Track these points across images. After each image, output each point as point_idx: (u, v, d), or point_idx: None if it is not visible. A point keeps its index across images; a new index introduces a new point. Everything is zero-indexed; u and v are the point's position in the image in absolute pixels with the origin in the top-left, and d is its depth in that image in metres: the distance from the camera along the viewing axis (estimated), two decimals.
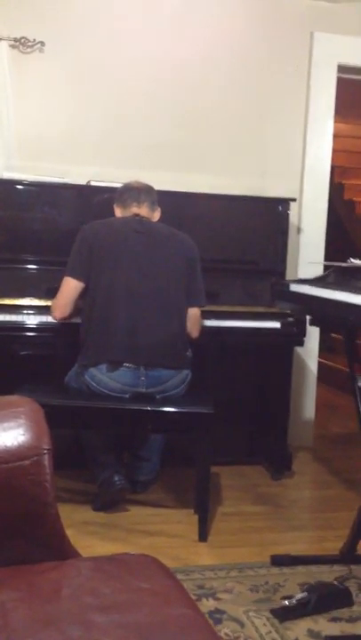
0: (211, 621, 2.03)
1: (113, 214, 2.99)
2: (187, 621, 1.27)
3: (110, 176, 3.31)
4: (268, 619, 2.14)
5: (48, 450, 1.48)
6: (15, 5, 3.39)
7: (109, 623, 1.22)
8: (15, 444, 1.46)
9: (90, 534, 2.65)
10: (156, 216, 2.98)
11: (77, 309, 2.87)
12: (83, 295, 2.84)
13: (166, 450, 3.13)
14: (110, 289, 2.78)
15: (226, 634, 2.04)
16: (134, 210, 2.93)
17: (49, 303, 2.98)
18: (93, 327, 2.79)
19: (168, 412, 2.78)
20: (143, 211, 2.94)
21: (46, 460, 1.47)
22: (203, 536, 2.69)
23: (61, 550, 1.48)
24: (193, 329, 2.94)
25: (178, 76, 3.64)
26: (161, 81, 3.62)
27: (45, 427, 1.52)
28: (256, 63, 3.75)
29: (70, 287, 2.82)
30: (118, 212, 2.98)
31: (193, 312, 2.94)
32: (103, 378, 2.78)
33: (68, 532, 1.52)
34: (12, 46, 3.38)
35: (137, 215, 2.92)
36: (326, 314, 2.56)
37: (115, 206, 2.99)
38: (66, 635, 1.18)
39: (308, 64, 3.83)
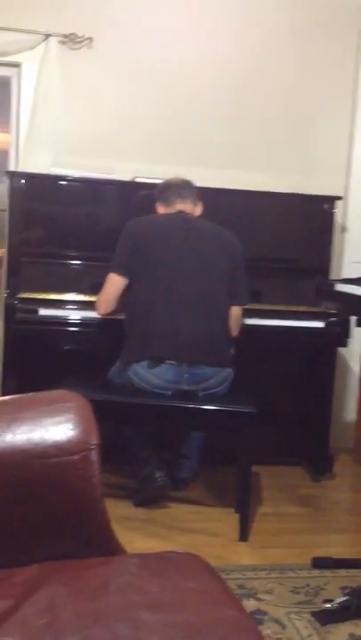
0: None
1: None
2: (234, 623, 1.26)
3: (155, 172, 3.31)
4: (309, 621, 2.12)
5: (96, 445, 1.49)
6: (65, 2, 3.41)
7: (157, 622, 1.22)
8: (64, 438, 1.47)
9: (130, 530, 2.66)
10: (198, 211, 2.97)
11: (122, 305, 2.87)
12: (127, 291, 2.85)
13: (208, 448, 3.12)
14: (153, 286, 2.78)
15: (268, 635, 2.02)
16: (178, 206, 2.92)
17: (92, 298, 3.00)
18: (136, 323, 2.80)
19: (210, 409, 2.77)
20: (186, 207, 2.93)
21: (94, 456, 1.48)
22: (243, 536, 2.67)
23: (108, 546, 1.48)
24: (234, 327, 2.92)
25: (223, 74, 3.63)
26: (207, 78, 3.61)
27: (94, 422, 1.52)
28: (302, 60, 3.71)
29: (114, 283, 2.83)
30: (161, 210, 2.97)
31: (235, 310, 2.92)
32: (146, 374, 2.78)
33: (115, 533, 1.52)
34: (62, 42, 3.40)
35: (181, 212, 2.91)
36: None
37: (157, 204, 2.98)
38: (114, 632, 1.18)
39: (355, 60, 3.78)
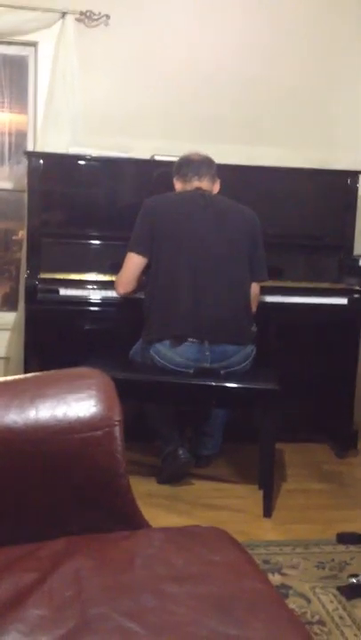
0: None
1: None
2: (259, 595, 1.26)
3: (174, 150, 3.26)
4: (334, 596, 2.12)
5: (119, 421, 1.49)
6: None
7: (183, 594, 1.22)
8: (87, 414, 1.48)
9: (155, 506, 2.67)
10: (216, 188, 2.94)
11: (141, 284, 2.87)
12: (146, 270, 2.84)
13: (231, 425, 3.12)
14: (173, 264, 2.77)
15: (292, 609, 2.02)
16: (196, 184, 2.88)
17: (113, 278, 2.99)
18: (157, 302, 2.79)
19: (232, 387, 2.76)
20: (204, 184, 2.89)
21: (117, 432, 1.48)
22: (267, 512, 2.68)
23: (133, 520, 1.49)
24: (253, 304, 2.90)
25: (242, 48, 3.58)
26: (225, 54, 3.56)
27: (116, 398, 1.53)
28: (320, 33, 3.65)
29: (133, 263, 2.82)
30: (178, 186, 2.93)
31: (254, 288, 2.90)
32: (168, 352, 2.78)
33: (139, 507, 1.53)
34: (78, 20, 3.37)
35: (199, 189, 2.87)
36: None
37: (174, 180, 2.95)
38: (140, 604, 1.19)
39: None
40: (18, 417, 1.43)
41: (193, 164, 2.91)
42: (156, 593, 1.22)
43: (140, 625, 1.12)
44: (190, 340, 2.76)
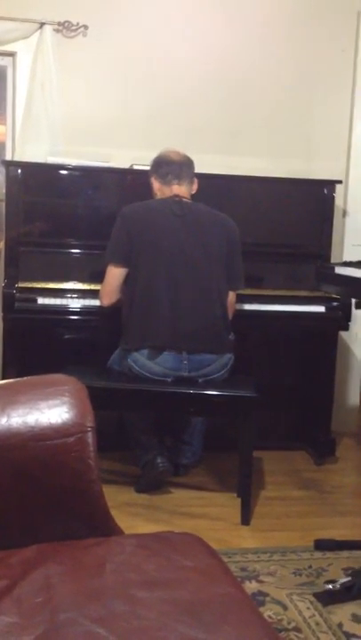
0: None
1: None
2: (231, 600, 1.26)
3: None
4: (311, 602, 2.12)
5: (92, 427, 1.49)
6: None
7: (153, 599, 1.22)
8: (59, 421, 1.47)
9: (133, 515, 2.67)
10: (194, 188, 2.94)
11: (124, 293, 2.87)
12: (125, 279, 2.84)
13: (209, 433, 3.12)
14: (151, 274, 2.77)
15: (269, 616, 2.03)
16: (175, 188, 2.88)
17: (92, 287, 3.00)
18: (135, 312, 2.79)
19: (210, 395, 2.77)
20: (183, 189, 2.89)
21: (90, 438, 1.48)
22: (245, 519, 2.68)
23: (106, 527, 1.49)
24: (229, 312, 2.91)
25: (221, 59, 3.60)
26: (204, 63, 3.58)
27: (89, 405, 1.53)
28: (302, 44, 3.68)
29: (114, 274, 2.82)
30: (156, 185, 2.92)
31: (230, 295, 2.91)
32: (146, 362, 2.78)
33: (112, 513, 1.52)
34: (56, 30, 3.38)
35: (177, 196, 2.87)
36: None
37: (152, 178, 2.93)
38: (110, 609, 1.18)
39: (354, 44, 3.75)
40: None
41: (173, 165, 2.89)
42: (126, 598, 1.21)
43: (109, 630, 1.12)
44: (168, 349, 2.76)
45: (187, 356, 2.77)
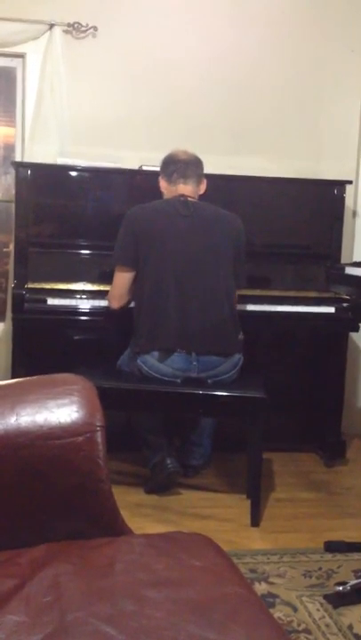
0: None
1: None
2: (240, 600, 1.25)
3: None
4: (321, 604, 2.11)
5: (101, 427, 1.49)
6: None
7: (162, 598, 1.22)
8: (69, 420, 1.47)
9: (142, 516, 2.66)
10: (203, 188, 2.92)
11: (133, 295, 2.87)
12: (135, 281, 2.83)
13: (219, 435, 3.11)
14: (159, 276, 2.76)
15: (279, 618, 2.01)
16: (180, 188, 2.86)
17: (101, 287, 3.00)
18: (144, 314, 2.78)
19: (219, 395, 2.76)
20: (189, 188, 2.87)
21: (99, 437, 1.48)
22: (255, 521, 2.67)
23: (115, 527, 1.48)
24: None
25: (230, 59, 3.60)
26: (213, 64, 3.58)
27: (98, 404, 1.52)
28: (311, 44, 3.68)
29: (123, 278, 2.82)
30: (163, 184, 2.91)
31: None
32: (155, 363, 2.78)
33: (121, 513, 1.52)
34: (66, 32, 3.39)
35: (182, 196, 2.84)
36: None
37: (160, 177, 2.93)
38: (118, 608, 1.18)
39: None
40: None
41: (179, 164, 2.88)
42: (135, 598, 1.21)
43: (117, 629, 1.11)
44: (178, 352, 2.76)
45: (196, 357, 2.77)
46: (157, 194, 2.97)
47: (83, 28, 3.42)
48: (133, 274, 2.80)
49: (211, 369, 2.79)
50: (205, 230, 2.81)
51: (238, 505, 2.82)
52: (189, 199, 2.85)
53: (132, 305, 2.87)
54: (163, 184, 2.92)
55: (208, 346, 2.77)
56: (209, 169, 3.01)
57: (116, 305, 2.87)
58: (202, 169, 2.92)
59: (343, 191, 3.46)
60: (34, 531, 1.44)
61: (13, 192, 3.28)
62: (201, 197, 2.93)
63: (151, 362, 2.78)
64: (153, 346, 2.77)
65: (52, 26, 3.36)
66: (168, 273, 2.76)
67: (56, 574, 1.27)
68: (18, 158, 3.50)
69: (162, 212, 2.83)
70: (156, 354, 2.77)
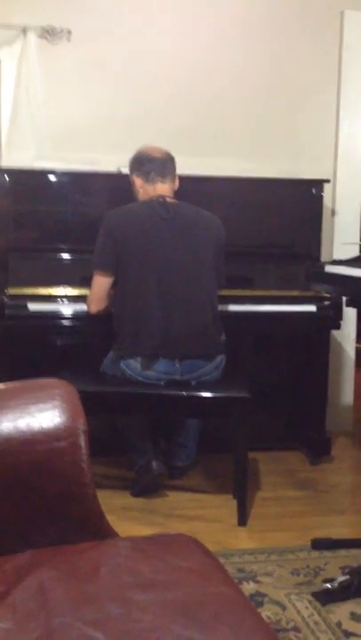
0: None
1: None
2: (227, 599, 1.25)
3: None
4: (310, 602, 2.11)
5: (84, 431, 1.48)
6: None
7: (148, 601, 1.21)
8: (51, 425, 1.47)
9: (129, 519, 2.65)
10: (177, 184, 2.90)
11: (112, 298, 2.86)
12: (114, 285, 2.82)
13: (204, 435, 3.12)
14: (140, 281, 2.74)
15: (267, 616, 2.02)
16: (159, 187, 2.83)
17: (83, 292, 2.98)
18: (127, 319, 2.77)
19: (204, 397, 2.76)
20: (166, 187, 2.84)
21: (82, 441, 1.47)
22: (242, 520, 2.67)
23: (100, 530, 1.48)
24: None
25: (206, 60, 3.60)
26: (189, 65, 3.58)
27: (81, 408, 1.52)
28: (286, 44, 3.69)
29: (101, 283, 2.80)
30: (139, 183, 2.87)
31: None
32: (138, 367, 2.77)
33: (108, 518, 1.52)
34: (40, 36, 3.37)
35: (161, 197, 2.82)
36: None
37: (134, 176, 2.89)
38: (105, 612, 1.17)
39: (338, 43, 3.76)
40: None
41: (156, 162, 2.85)
42: (121, 601, 1.20)
43: (104, 633, 1.11)
44: (161, 357, 2.75)
45: (179, 361, 2.76)
46: (135, 199, 2.95)
47: (57, 32, 3.40)
48: (112, 279, 2.79)
49: (194, 371, 2.79)
50: (186, 233, 2.79)
51: (225, 505, 2.83)
52: (168, 200, 2.83)
53: (113, 310, 2.86)
54: (138, 182, 2.89)
55: (191, 350, 2.77)
56: (187, 171, 3.01)
57: (94, 309, 2.86)
58: (175, 165, 2.90)
59: (321, 190, 3.48)
60: (18, 537, 1.43)
61: None
62: (181, 199, 2.92)
63: (134, 365, 2.78)
64: (136, 352, 2.76)
65: (25, 30, 3.34)
66: (150, 278, 2.74)
67: (41, 580, 1.27)
68: None
69: (141, 216, 2.80)
70: (139, 359, 2.76)
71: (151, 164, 2.86)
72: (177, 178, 2.91)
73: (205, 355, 2.80)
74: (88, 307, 2.87)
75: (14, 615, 1.18)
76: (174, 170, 2.90)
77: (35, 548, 1.41)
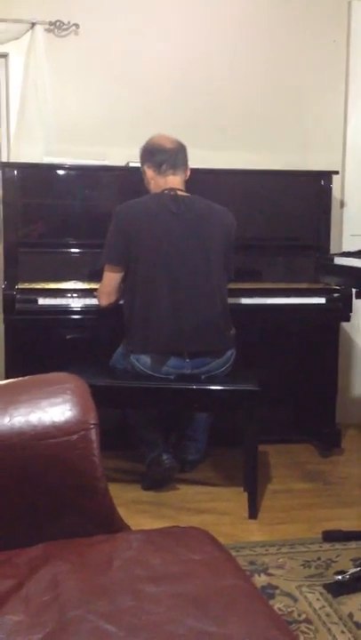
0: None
1: None
2: (239, 592, 1.26)
3: None
4: (321, 594, 2.12)
5: (95, 424, 1.49)
6: None
7: (160, 593, 1.22)
8: (62, 419, 1.47)
9: (140, 512, 2.67)
10: (188, 174, 2.88)
11: (123, 291, 2.86)
12: (125, 278, 2.82)
13: (214, 429, 3.12)
14: (150, 275, 2.74)
15: (279, 609, 2.02)
16: (170, 180, 2.82)
17: (92, 286, 2.99)
18: (136, 313, 2.77)
19: (213, 390, 2.77)
20: (178, 180, 2.82)
21: (93, 435, 1.48)
22: (253, 513, 2.68)
23: (112, 524, 1.48)
24: None
25: (214, 53, 3.59)
26: (196, 58, 3.58)
27: (91, 402, 1.52)
28: (293, 36, 3.67)
29: (112, 276, 2.80)
30: (150, 174, 2.85)
31: None
32: (148, 361, 2.77)
33: (119, 511, 1.52)
34: (48, 30, 3.37)
35: (172, 189, 2.80)
36: None
37: (146, 167, 2.86)
38: (117, 604, 1.18)
39: (346, 34, 3.74)
40: None
41: (168, 153, 2.82)
42: (133, 593, 1.21)
43: (116, 626, 1.11)
44: (172, 356, 2.75)
45: (189, 358, 2.77)
46: (145, 190, 2.95)
47: (64, 26, 3.40)
48: (123, 273, 2.79)
49: (203, 366, 2.80)
50: (197, 228, 2.78)
51: (235, 498, 2.83)
52: (179, 193, 2.81)
53: (122, 302, 2.86)
54: (149, 173, 2.86)
55: (201, 346, 2.77)
56: (196, 163, 3.00)
57: (104, 302, 2.86)
58: (187, 155, 2.88)
59: (330, 182, 3.47)
60: (31, 530, 1.44)
61: (0, 193, 3.27)
62: (189, 192, 2.90)
63: (144, 359, 2.78)
64: (146, 349, 2.76)
65: (33, 25, 3.34)
66: (160, 274, 2.73)
67: (54, 573, 1.28)
68: (4, 159, 3.49)
69: (152, 210, 2.78)
70: (149, 355, 2.76)
71: (163, 155, 2.83)
72: (189, 167, 2.89)
73: (214, 352, 2.80)
74: (99, 300, 2.88)
75: (27, 608, 1.19)
76: (186, 160, 2.87)
77: (47, 541, 1.42)
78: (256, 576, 2.21)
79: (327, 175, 3.46)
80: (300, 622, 1.98)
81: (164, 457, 2.84)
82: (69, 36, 3.43)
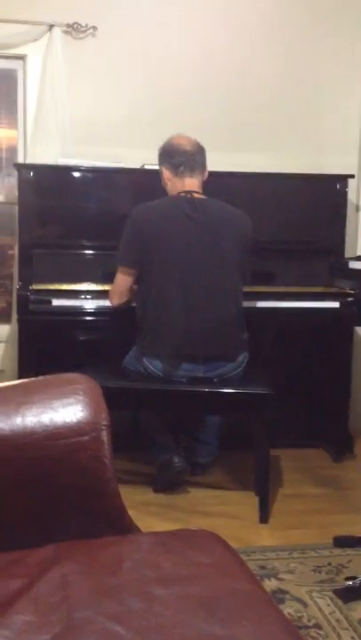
0: None
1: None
2: (248, 595, 1.25)
3: None
4: (331, 599, 2.11)
5: (106, 426, 1.49)
6: None
7: (170, 596, 1.22)
8: (74, 420, 1.47)
9: (150, 515, 2.66)
10: (206, 175, 2.87)
11: (135, 292, 2.86)
12: (138, 280, 2.83)
13: (226, 432, 3.11)
14: (164, 281, 2.73)
15: (289, 613, 2.02)
16: (187, 182, 2.80)
17: (106, 288, 2.99)
18: (150, 317, 2.77)
19: (226, 393, 2.76)
20: (195, 182, 2.81)
21: (105, 436, 1.48)
22: (264, 517, 2.67)
23: (122, 525, 1.48)
24: None
25: (229, 55, 3.60)
26: (212, 61, 3.58)
27: (103, 403, 1.52)
28: (311, 38, 3.67)
29: (125, 278, 2.80)
30: (168, 175, 2.84)
31: None
32: (160, 363, 2.77)
33: (129, 513, 1.52)
34: (65, 32, 3.39)
35: (189, 192, 2.79)
36: None
37: (163, 167, 2.85)
38: (127, 606, 1.18)
39: None
40: (4, 424, 1.43)
41: (185, 155, 2.81)
42: (143, 595, 1.21)
43: (125, 628, 1.11)
44: (185, 361, 2.75)
45: (202, 362, 2.76)
46: (160, 193, 2.95)
47: (82, 29, 3.42)
48: (135, 275, 2.79)
49: (217, 369, 2.79)
50: (212, 232, 2.76)
51: (246, 502, 2.82)
52: (195, 196, 2.80)
53: (135, 304, 2.86)
54: (167, 174, 2.85)
55: (213, 351, 2.76)
56: (210, 167, 2.99)
57: (115, 302, 2.86)
58: (205, 156, 2.86)
59: (346, 185, 3.46)
60: (41, 531, 1.44)
61: (16, 194, 3.29)
62: (206, 194, 2.89)
63: (156, 362, 2.78)
64: (158, 352, 2.76)
65: (51, 27, 3.36)
66: (173, 277, 2.73)
67: (64, 574, 1.28)
68: (20, 160, 3.51)
69: (167, 213, 2.78)
70: (161, 357, 2.76)
71: (181, 157, 2.82)
72: (206, 169, 2.89)
73: (227, 357, 2.79)
74: (110, 299, 2.89)
75: (37, 608, 1.19)
76: (204, 162, 2.86)
77: (57, 542, 1.42)
78: (266, 580, 2.20)
79: (343, 179, 3.45)
80: (310, 628, 1.97)
81: (176, 460, 2.83)
82: (87, 38, 3.45)
